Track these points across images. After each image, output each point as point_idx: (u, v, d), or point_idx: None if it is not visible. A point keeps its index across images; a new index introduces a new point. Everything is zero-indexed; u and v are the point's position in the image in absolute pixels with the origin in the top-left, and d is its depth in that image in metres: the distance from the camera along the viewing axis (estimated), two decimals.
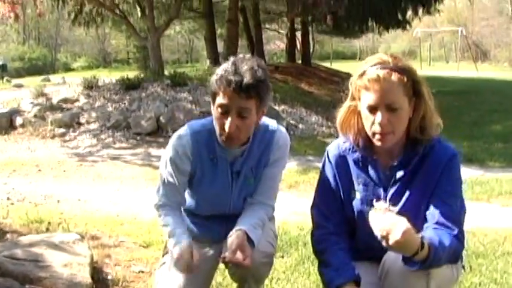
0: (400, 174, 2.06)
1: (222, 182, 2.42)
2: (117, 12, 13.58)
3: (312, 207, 2.28)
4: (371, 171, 2.12)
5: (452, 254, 1.94)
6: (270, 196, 2.48)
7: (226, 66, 2.21)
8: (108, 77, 12.78)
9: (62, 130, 9.49)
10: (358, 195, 2.15)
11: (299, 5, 13.68)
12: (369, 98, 1.96)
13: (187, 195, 2.50)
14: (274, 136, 2.42)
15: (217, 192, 2.43)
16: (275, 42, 35.35)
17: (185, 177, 2.40)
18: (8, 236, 3.72)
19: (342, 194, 2.19)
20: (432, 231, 1.92)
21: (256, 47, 19.59)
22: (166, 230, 2.39)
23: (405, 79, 1.95)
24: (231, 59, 2.25)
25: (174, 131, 2.56)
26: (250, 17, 20.17)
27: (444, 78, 20.98)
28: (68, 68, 40.26)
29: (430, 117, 2.02)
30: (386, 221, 1.76)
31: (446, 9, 32.69)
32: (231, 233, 2.25)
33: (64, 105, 10.50)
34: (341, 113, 2.11)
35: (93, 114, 9.90)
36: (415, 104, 2.00)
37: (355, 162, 2.14)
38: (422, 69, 30.24)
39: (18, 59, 36.91)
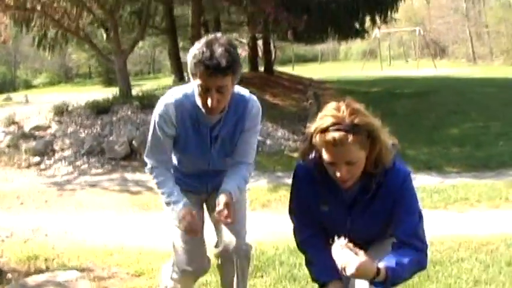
0: (359, 198, 2.27)
1: (202, 145, 2.77)
2: (82, 36, 13.74)
3: (289, 212, 2.51)
4: (335, 191, 2.29)
5: (416, 264, 2.22)
6: (248, 156, 2.84)
7: (201, 49, 2.49)
8: (70, 92, 12.88)
9: (37, 159, 9.66)
10: (326, 208, 2.35)
11: (261, 22, 14.13)
12: (327, 156, 2.14)
13: (172, 155, 2.88)
14: (248, 105, 2.76)
15: (198, 154, 2.79)
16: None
17: (171, 140, 2.76)
18: (10, 275, 4.03)
19: (312, 204, 2.39)
20: (392, 254, 2.19)
21: None
22: (162, 190, 2.78)
23: (361, 137, 2.09)
24: (204, 40, 2.53)
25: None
26: (212, 30, 20.49)
27: (404, 79, 21.58)
28: (29, 85, 39.65)
29: (385, 153, 2.18)
30: (343, 256, 2.06)
31: (404, 9, 33.41)
32: (219, 191, 2.66)
33: (36, 133, 10.66)
34: (301, 148, 2.32)
35: (67, 141, 10.08)
36: (370, 145, 2.14)
37: (320, 182, 2.31)
38: (383, 70, 31.04)
39: None
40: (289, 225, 2.56)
